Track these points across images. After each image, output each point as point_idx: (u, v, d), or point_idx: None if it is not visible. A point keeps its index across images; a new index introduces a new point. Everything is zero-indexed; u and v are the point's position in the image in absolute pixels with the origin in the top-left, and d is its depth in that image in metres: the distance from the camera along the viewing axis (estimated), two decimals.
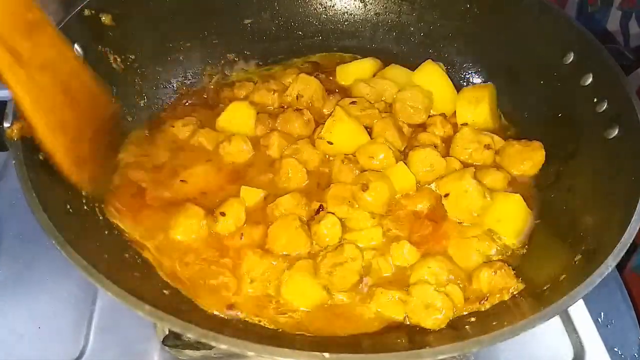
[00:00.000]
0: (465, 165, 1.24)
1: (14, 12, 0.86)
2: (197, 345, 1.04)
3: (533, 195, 1.22)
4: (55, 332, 1.15)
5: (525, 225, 1.16)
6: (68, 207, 0.96)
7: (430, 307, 1.00)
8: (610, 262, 0.85)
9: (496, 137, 1.30)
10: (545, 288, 0.95)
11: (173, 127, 1.30)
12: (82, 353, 1.12)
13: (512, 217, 1.15)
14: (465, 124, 1.33)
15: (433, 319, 0.99)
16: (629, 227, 0.89)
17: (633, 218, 0.90)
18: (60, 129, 0.95)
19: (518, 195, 1.16)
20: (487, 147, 1.26)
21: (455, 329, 0.99)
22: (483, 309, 1.03)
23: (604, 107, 1.12)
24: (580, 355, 1.16)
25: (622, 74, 1.11)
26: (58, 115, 0.95)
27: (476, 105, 1.33)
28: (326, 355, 0.72)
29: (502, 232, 1.14)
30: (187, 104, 1.42)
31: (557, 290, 0.88)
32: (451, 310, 1.00)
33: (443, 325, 0.99)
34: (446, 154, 1.28)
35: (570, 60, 1.21)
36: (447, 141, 1.30)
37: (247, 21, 1.51)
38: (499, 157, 1.27)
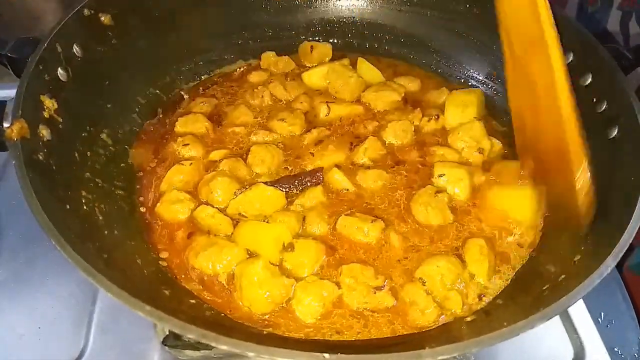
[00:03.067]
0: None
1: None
2: (197, 346, 1.04)
3: None
4: (55, 332, 1.15)
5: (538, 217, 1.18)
6: (68, 207, 0.96)
7: (414, 306, 1.02)
8: (610, 262, 0.85)
9: (496, 143, 1.31)
10: (544, 288, 0.95)
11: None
12: (82, 353, 1.12)
13: (529, 206, 1.17)
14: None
15: (412, 315, 1.02)
16: (628, 227, 0.89)
17: (632, 218, 0.90)
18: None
19: (527, 188, 1.19)
20: (480, 151, 1.29)
21: (454, 329, 0.99)
22: (480, 308, 1.03)
23: (603, 107, 1.13)
24: (580, 355, 1.16)
25: (622, 74, 1.11)
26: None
27: (463, 110, 1.35)
28: (326, 355, 0.72)
29: (522, 219, 1.16)
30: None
31: (556, 290, 0.88)
32: (434, 316, 1.01)
33: (421, 325, 1.01)
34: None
35: (570, 60, 1.21)
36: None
37: (251, 20, 1.52)
38: (493, 170, 1.27)
